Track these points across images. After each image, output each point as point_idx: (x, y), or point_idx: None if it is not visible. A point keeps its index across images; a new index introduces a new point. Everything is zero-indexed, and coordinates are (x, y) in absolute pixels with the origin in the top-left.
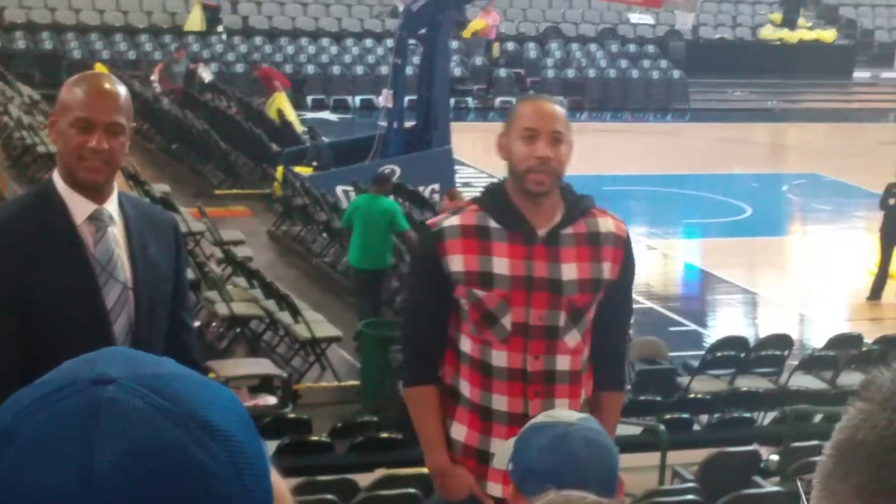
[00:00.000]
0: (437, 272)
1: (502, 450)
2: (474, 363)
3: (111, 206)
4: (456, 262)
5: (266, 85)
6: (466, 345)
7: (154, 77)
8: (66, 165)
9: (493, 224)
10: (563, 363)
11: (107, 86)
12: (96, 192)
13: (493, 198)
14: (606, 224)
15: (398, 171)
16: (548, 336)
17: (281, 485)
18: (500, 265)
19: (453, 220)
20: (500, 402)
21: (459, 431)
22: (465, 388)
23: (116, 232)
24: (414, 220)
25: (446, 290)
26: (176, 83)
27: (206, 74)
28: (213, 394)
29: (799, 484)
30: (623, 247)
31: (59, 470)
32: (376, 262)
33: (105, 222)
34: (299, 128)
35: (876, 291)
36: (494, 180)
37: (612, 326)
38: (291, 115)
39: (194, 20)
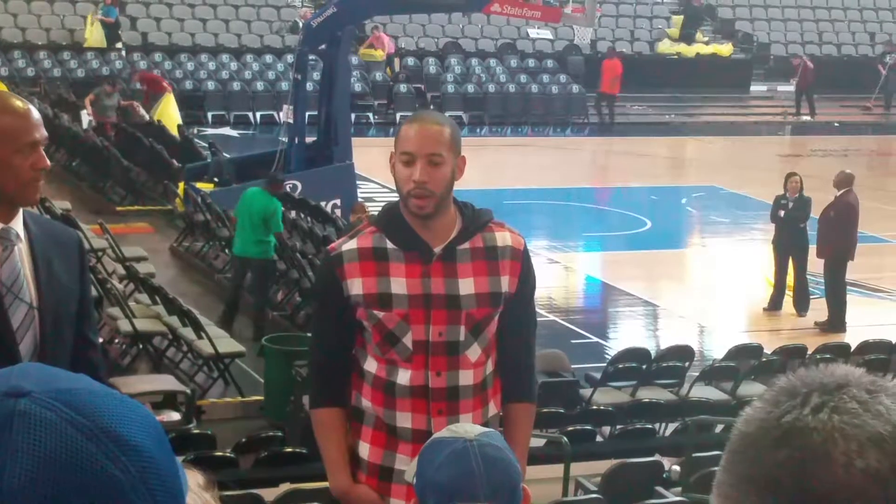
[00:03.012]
0: (338, 296)
1: (412, 464)
2: (378, 382)
3: (17, 225)
4: (355, 286)
5: (152, 89)
6: (372, 365)
7: (87, 110)
8: (8, 189)
9: (389, 245)
10: (465, 378)
11: (23, 105)
12: (6, 212)
13: (389, 218)
14: (503, 238)
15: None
16: (449, 352)
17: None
18: (398, 285)
19: (351, 244)
20: (404, 420)
21: (364, 449)
22: (369, 407)
23: (22, 251)
24: (317, 235)
25: (348, 313)
26: (106, 116)
27: (144, 112)
28: (127, 410)
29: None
30: (521, 259)
31: None
32: (252, 250)
33: (12, 241)
34: (174, 128)
35: (774, 303)
36: (396, 196)
37: (516, 339)
38: (176, 117)
39: (94, 36)
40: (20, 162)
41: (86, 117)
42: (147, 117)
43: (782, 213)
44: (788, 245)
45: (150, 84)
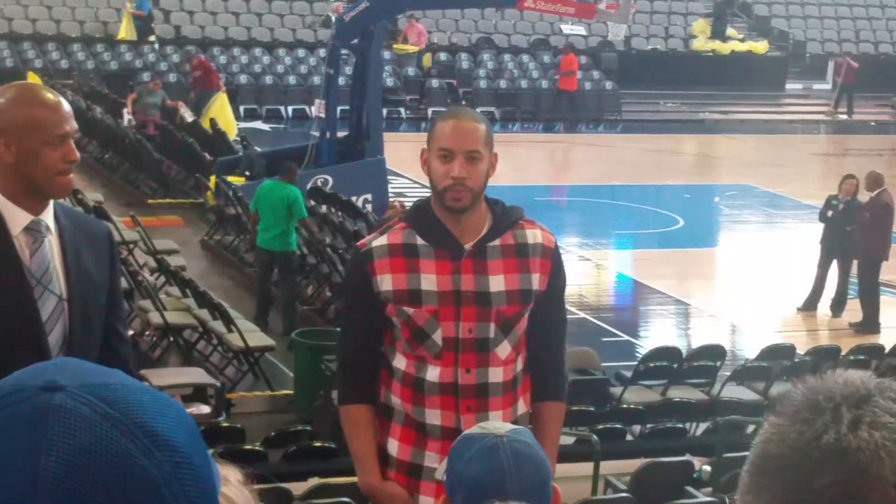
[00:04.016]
0: (368, 292)
1: (442, 463)
2: (407, 379)
3: (47, 217)
4: (385, 282)
5: (205, 80)
6: (401, 362)
7: (128, 108)
8: (38, 180)
9: (420, 241)
10: (495, 375)
11: (54, 97)
12: (37, 204)
13: (419, 215)
14: (534, 235)
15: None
16: (478, 349)
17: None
18: (428, 281)
19: (381, 240)
20: (433, 417)
21: (393, 447)
22: (398, 404)
23: (52, 243)
24: (347, 229)
25: (378, 309)
26: (147, 114)
27: (187, 114)
28: (161, 405)
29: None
30: (551, 258)
31: (6, 475)
32: (276, 243)
33: (42, 233)
34: (233, 133)
35: (809, 303)
36: (426, 190)
37: (546, 337)
38: (231, 117)
39: (126, 30)
40: (50, 154)
41: (126, 115)
42: (189, 119)
43: (830, 213)
44: (833, 246)
45: (204, 72)
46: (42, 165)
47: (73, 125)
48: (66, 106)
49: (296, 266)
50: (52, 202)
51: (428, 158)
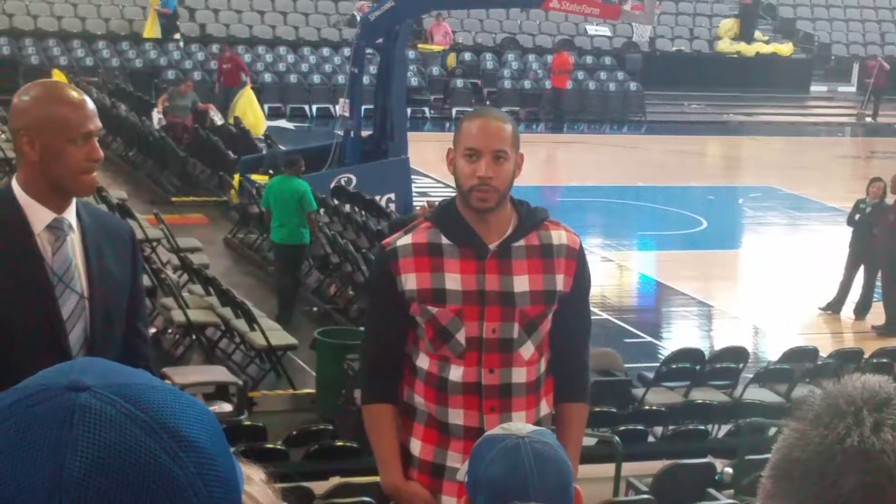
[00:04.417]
0: (392, 291)
1: (465, 464)
2: (430, 379)
3: (70, 215)
4: (409, 281)
5: (233, 73)
6: (424, 361)
7: (158, 109)
8: (62, 178)
9: (444, 241)
10: (518, 376)
11: (78, 96)
12: (60, 202)
13: (445, 214)
14: (559, 236)
15: (355, 179)
16: (502, 349)
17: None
18: (453, 281)
19: (406, 239)
20: (456, 417)
21: (415, 446)
22: (421, 404)
23: (75, 241)
24: (371, 229)
25: (402, 308)
26: (178, 116)
27: (217, 117)
28: (185, 406)
29: None
30: (576, 259)
31: (31, 474)
32: (293, 237)
33: (64, 231)
34: (263, 127)
35: (834, 305)
36: (450, 190)
37: (570, 339)
38: (259, 112)
39: (151, 28)
40: (74, 152)
41: (156, 116)
42: (219, 122)
43: (858, 216)
44: (861, 250)
45: (234, 67)
46: (65, 164)
47: (97, 123)
48: (90, 104)
49: (304, 257)
50: (74, 200)
51: (454, 158)
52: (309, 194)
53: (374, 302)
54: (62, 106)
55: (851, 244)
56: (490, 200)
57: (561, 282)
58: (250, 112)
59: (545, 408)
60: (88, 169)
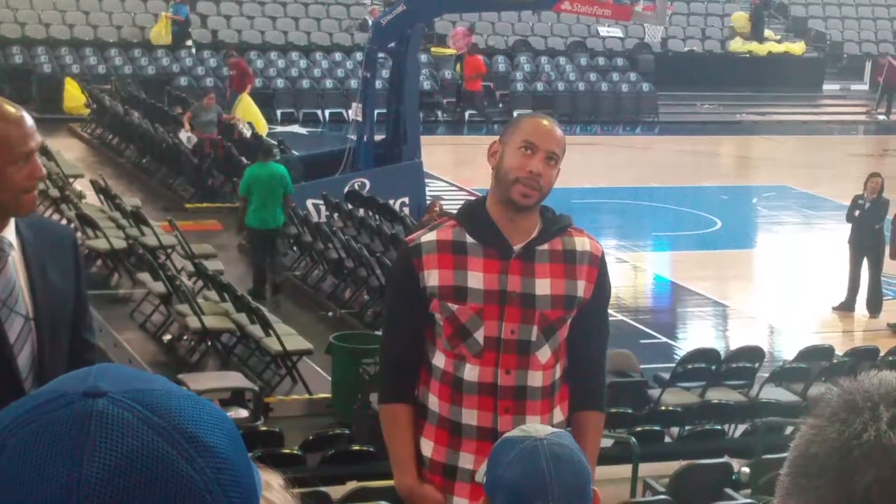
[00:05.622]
0: (413, 287)
1: (483, 465)
2: (446, 378)
3: (9, 233)
4: (432, 277)
5: (239, 80)
6: (440, 360)
7: (185, 128)
8: (3, 200)
9: (469, 239)
10: (534, 379)
11: (16, 111)
12: None
13: (471, 213)
14: (583, 243)
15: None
16: (519, 351)
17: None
18: (475, 279)
19: (430, 236)
20: (469, 417)
21: (427, 447)
22: (434, 404)
23: (16, 259)
24: (385, 233)
25: (422, 305)
26: (205, 132)
27: (245, 129)
28: (202, 411)
29: None
30: (598, 266)
31: (48, 480)
32: (270, 222)
33: (4, 251)
34: (264, 129)
35: (846, 303)
36: (463, 194)
37: (588, 346)
38: (259, 115)
39: (162, 34)
40: (15, 173)
41: (184, 134)
42: (247, 133)
43: (857, 213)
44: (863, 246)
45: (239, 74)
46: (6, 186)
47: (38, 140)
48: (30, 120)
49: (280, 237)
50: (12, 218)
51: (501, 151)
52: (288, 177)
53: (394, 299)
54: (0, 124)
55: (851, 240)
56: (532, 198)
57: (582, 288)
58: (249, 116)
59: (559, 415)
60: (30, 188)
